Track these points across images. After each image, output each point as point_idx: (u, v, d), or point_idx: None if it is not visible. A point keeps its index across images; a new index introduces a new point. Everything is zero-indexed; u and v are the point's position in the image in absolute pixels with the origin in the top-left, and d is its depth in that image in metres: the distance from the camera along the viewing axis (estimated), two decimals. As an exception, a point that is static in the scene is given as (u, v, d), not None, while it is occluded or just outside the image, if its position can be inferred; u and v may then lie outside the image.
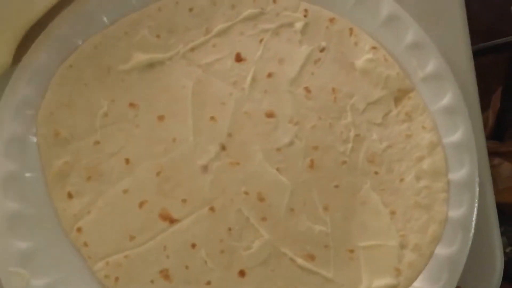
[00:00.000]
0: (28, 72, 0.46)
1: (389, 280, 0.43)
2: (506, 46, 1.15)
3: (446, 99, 0.46)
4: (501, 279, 0.47)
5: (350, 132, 0.47)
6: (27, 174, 0.44)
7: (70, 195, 0.45)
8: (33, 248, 0.42)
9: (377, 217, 0.45)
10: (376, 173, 0.46)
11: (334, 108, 0.47)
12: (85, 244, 0.44)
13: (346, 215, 0.45)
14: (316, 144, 0.46)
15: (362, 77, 0.48)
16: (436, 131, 0.46)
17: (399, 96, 0.47)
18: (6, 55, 0.46)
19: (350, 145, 0.47)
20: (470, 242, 0.43)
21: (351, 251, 0.45)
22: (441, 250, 0.43)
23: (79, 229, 0.44)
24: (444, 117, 0.46)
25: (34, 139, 0.45)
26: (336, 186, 0.46)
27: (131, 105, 0.47)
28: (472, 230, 0.43)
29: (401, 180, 0.46)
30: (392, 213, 0.45)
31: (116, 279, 0.43)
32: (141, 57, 0.48)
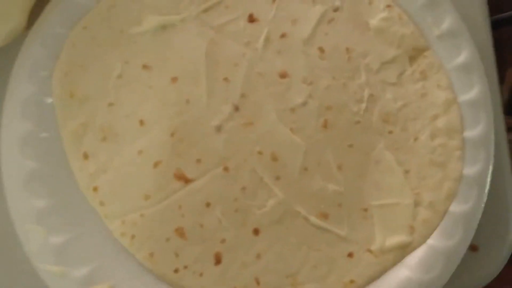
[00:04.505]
0: (42, 35, 0.46)
1: (402, 237, 0.43)
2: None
3: (462, 57, 0.45)
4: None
5: (364, 91, 0.47)
6: (43, 134, 0.45)
7: (86, 155, 0.45)
8: (50, 206, 0.43)
9: (390, 176, 0.45)
10: (390, 132, 0.46)
11: (348, 68, 0.47)
12: (101, 203, 0.44)
13: (359, 174, 0.45)
14: (330, 104, 0.46)
15: (376, 36, 0.48)
16: (451, 89, 0.45)
17: (414, 55, 0.47)
18: (20, 18, 0.46)
19: (364, 105, 0.46)
20: (485, 199, 0.42)
21: (365, 209, 0.45)
22: (456, 207, 0.43)
23: (95, 189, 0.45)
24: (459, 75, 0.45)
25: (50, 100, 0.45)
26: (350, 146, 0.46)
27: (145, 66, 0.47)
28: (487, 187, 0.43)
29: (416, 138, 0.46)
30: (406, 171, 0.45)
31: (132, 237, 0.44)
32: (153, 19, 0.48)
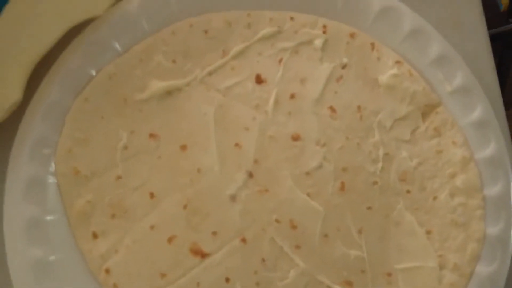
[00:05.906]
0: (42, 109, 0.43)
1: (430, 302, 0.43)
2: (498, 37, 1.15)
3: (476, 113, 0.45)
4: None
5: (379, 151, 0.46)
6: (48, 217, 0.42)
7: (95, 235, 0.43)
8: (62, 295, 0.41)
9: (413, 238, 0.44)
10: (408, 192, 0.45)
11: (360, 127, 0.46)
12: (115, 286, 0.42)
13: (381, 237, 0.44)
14: (345, 165, 0.45)
15: (387, 93, 0.47)
16: (467, 146, 0.45)
17: (427, 111, 0.46)
18: (16, 91, 0.43)
19: (380, 165, 0.45)
20: (509, 259, 0.42)
21: (389, 274, 0.44)
22: (481, 269, 0.43)
23: (107, 270, 0.42)
24: (474, 131, 0.45)
25: (53, 179, 0.43)
26: (369, 208, 0.45)
27: (151, 135, 0.45)
28: (511, 246, 0.42)
29: (435, 198, 0.45)
30: (428, 232, 0.44)
31: (150, 320, 0.42)
32: (158, 85, 0.46)
